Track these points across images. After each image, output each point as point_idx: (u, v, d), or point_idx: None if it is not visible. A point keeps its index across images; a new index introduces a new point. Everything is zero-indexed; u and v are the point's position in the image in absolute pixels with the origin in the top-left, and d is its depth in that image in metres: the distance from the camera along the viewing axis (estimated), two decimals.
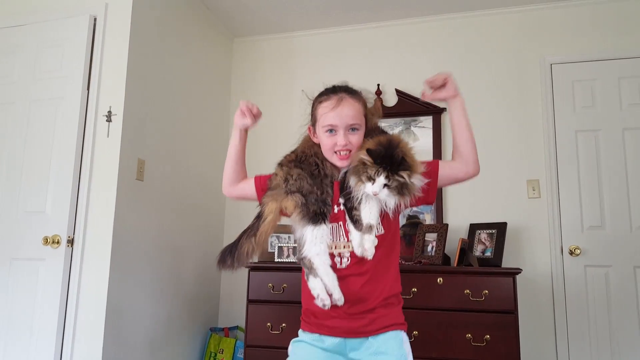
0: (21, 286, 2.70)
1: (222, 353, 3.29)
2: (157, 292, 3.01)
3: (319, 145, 1.50)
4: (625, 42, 3.26)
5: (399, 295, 1.50)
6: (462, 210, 3.34)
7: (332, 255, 1.43)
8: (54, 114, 2.82)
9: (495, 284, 2.72)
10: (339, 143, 1.43)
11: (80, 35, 2.83)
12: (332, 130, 1.45)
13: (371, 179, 1.32)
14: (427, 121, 3.49)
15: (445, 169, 1.48)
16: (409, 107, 3.49)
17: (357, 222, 1.40)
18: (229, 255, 1.46)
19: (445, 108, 3.43)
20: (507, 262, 3.13)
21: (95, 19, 2.86)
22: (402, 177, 1.31)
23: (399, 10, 3.57)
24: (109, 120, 2.74)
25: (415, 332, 2.72)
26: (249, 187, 1.58)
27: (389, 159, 1.31)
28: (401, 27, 3.70)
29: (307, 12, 3.63)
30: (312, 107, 1.54)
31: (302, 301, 1.52)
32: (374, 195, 1.34)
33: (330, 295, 1.38)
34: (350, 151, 1.44)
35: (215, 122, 3.77)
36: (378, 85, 3.58)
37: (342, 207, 1.44)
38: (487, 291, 2.70)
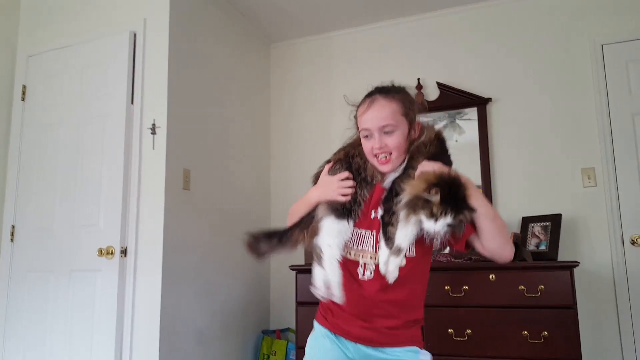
0: (80, 296, 2.83)
1: (274, 355, 3.33)
2: (209, 297, 3.07)
3: None
4: None
5: (421, 320, 1.47)
6: (513, 203, 3.22)
7: (356, 263, 1.41)
8: (102, 130, 2.93)
9: (551, 279, 2.61)
10: (374, 147, 1.40)
11: (122, 52, 2.92)
12: (367, 134, 1.42)
13: (434, 217, 1.24)
14: (472, 113, 3.38)
15: (474, 241, 1.38)
16: (452, 99, 3.40)
17: (389, 239, 1.35)
18: (272, 240, 1.48)
19: (491, 98, 3.35)
20: (564, 256, 3.01)
21: (135, 35, 2.94)
22: (465, 217, 1.26)
23: (437, 0, 3.47)
24: (153, 132, 2.81)
25: (468, 331, 2.67)
26: None
27: (453, 197, 1.25)
28: (441, 18, 3.60)
29: (343, 10, 3.60)
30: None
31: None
32: (434, 232, 1.26)
33: (328, 289, 1.37)
34: (391, 154, 1.39)
35: (256, 128, 3.81)
36: (418, 79, 3.50)
37: (379, 216, 1.40)
38: (542, 286, 2.60)
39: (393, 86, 1.47)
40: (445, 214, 1.23)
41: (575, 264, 2.62)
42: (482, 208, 1.29)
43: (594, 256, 3.04)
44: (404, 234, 1.32)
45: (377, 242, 1.39)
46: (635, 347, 2.90)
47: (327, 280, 1.36)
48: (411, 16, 3.67)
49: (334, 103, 3.79)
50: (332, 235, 1.38)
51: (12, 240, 3.09)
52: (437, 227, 1.24)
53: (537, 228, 3.00)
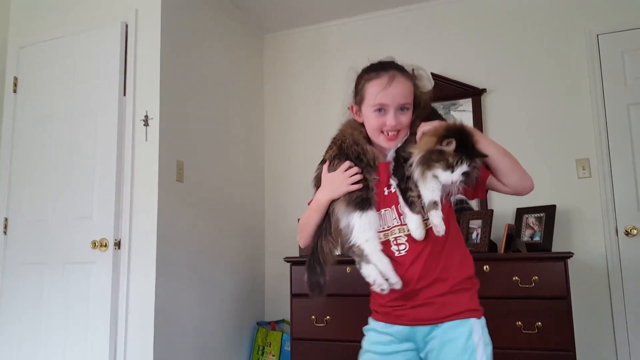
0: (74, 289, 2.82)
1: (269, 346, 3.34)
2: (204, 289, 3.07)
3: (359, 131, 1.46)
4: None
5: (472, 279, 1.44)
6: (507, 195, 3.21)
7: (388, 243, 1.40)
8: (94, 122, 2.91)
9: (545, 270, 2.62)
10: (388, 123, 1.38)
11: (114, 43, 2.90)
12: (381, 109, 1.39)
13: (450, 167, 1.25)
14: (466, 104, 3.36)
15: (493, 182, 1.40)
16: (447, 90, 3.38)
17: (412, 204, 1.34)
18: (315, 269, 1.44)
19: (485, 89, 3.34)
20: (558, 247, 3.00)
21: (126, 26, 2.92)
22: (478, 163, 1.28)
23: None
24: (146, 124, 2.80)
25: None
26: None
27: (464, 146, 1.26)
28: (435, 9, 3.57)
29: (337, 0, 3.56)
30: (359, 84, 1.46)
31: (371, 294, 1.51)
32: (451, 183, 1.27)
33: (386, 280, 1.36)
34: (399, 132, 1.39)
35: (249, 119, 3.79)
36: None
37: (393, 190, 1.40)
38: (536, 277, 2.61)
39: (400, 64, 1.45)
40: (461, 162, 1.25)
41: (569, 254, 2.62)
42: (492, 149, 1.32)
43: (588, 247, 3.05)
44: (430, 188, 1.31)
45: (399, 214, 1.39)
46: (628, 338, 2.91)
47: (382, 272, 1.36)
48: (405, 6, 3.64)
49: (328, 94, 3.77)
50: (364, 229, 1.37)
51: (5, 232, 3.08)
52: (454, 177, 1.26)
53: (531, 219, 2.99)
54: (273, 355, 3.32)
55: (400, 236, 1.38)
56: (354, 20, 3.80)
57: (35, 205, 3.02)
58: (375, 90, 1.38)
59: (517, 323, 2.59)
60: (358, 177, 1.39)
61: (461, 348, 1.34)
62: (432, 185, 1.30)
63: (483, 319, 1.40)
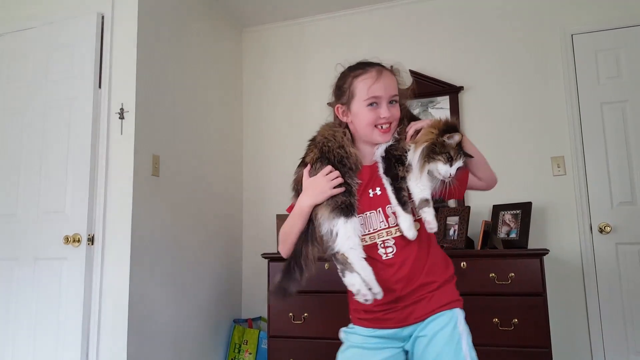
0: (45, 285, 2.75)
1: (246, 344, 3.30)
2: (179, 286, 3.02)
3: (342, 133, 1.45)
4: None
5: (453, 276, 1.47)
6: (484, 191, 3.24)
7: (375, 246, 1.39)
8: (68, 115, 2.85)
9: (521, 266, 2.64)
10: (382, 115, 1.39)
11: (89, 34, 2.84)
12: (374, 103, 1.40)
13: (450, 161, 1.29)
14: (444, 101, 3.39)
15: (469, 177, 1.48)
16: (425, 87, 3.40)
17: (405, 204, 1.36)
18: (293, 274, 1.40)
19: (463, 86, 3.36)
20: (534, 243, 3.03)
21: (102, 17, 2.86)
22: (468, 157, 1.34)
23: None
24: (121, 117, 2.74)
25: None
26: None
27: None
28: (414, 6, 3.60)
29: None
30: (344, 83, 1.46)
31: (350, 300, 1.47)
32: (449, 176, 1.32)
33: (369, 290, 1.33)
34: (391, 124, 1.41)
35: (228, 114, 3.75)
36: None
37: (379, 192, 1.40)
38: (513, 274, 2.63)
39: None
40: (460, 157, 1.30)
41: (544, 251, 2.66)
42: (473, 148, 1.40)
43: (563, 244, 3.09)
44: (420, 187, 1.35)
45: (386, 216, 1.39)
46: (602, 333, 2.96)
47: (366, 280, 1.32)
48: (385, 3, 3.65)
49: (307, 88, 3.76)
50: (349, 236, 1.34)
51: None
52: (452, 170, 1.31)
53: (507, 216, 3.02)
54: (250, 353, 3.29)
55: (387, 239, 1.39)
56: (333, 16, 3.80)
57: (5, 198, 2.94)
58: (366, 85, 1.40)
59: (493, 320, 2.61)
60: (339, 180, 1.38)
61: (448, 338, 1.35)
62: (423, 183, 1.34)
63: (462, 309, 1.43)
